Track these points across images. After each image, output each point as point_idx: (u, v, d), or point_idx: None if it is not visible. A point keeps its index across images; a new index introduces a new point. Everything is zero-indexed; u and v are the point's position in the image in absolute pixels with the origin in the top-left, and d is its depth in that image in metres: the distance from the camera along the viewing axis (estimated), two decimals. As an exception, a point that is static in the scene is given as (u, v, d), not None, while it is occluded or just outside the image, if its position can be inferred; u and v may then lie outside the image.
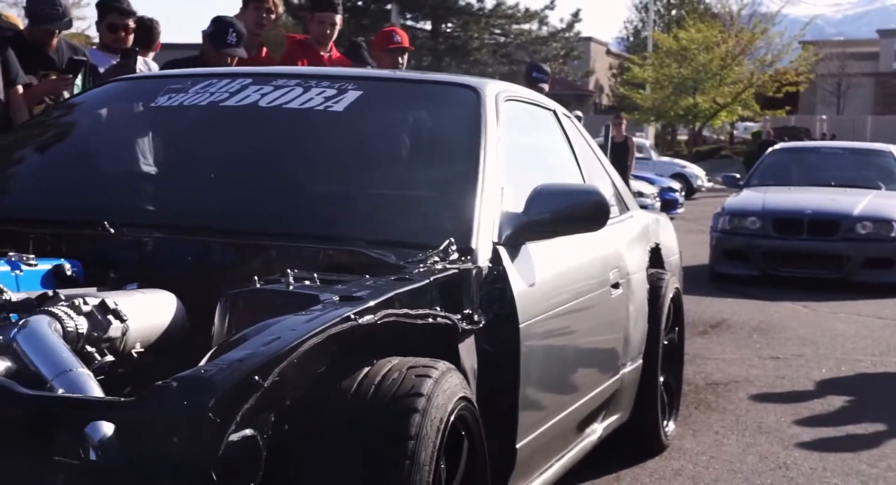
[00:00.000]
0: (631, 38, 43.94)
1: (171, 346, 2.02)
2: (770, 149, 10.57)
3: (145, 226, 2.40)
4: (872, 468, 3.44)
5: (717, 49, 25.96)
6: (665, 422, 3.58)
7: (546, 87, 6.84)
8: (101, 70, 4.55)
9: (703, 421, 3.98)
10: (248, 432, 1.51)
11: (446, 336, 2.05)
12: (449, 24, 23.17)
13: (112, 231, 2.34)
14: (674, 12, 41.17)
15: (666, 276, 3.63)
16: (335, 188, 2.65)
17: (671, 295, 3.60)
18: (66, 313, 1.84)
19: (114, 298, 1.94)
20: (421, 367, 1.81)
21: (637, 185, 14.78)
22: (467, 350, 2.12)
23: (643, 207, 14.08)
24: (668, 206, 15.97)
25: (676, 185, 17.34)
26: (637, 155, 16.62)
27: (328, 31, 5.25)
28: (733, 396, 4.42)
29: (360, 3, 22.87)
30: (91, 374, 1.70)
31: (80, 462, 1.46)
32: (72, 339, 1.81)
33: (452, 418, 1.81)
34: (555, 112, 3.38)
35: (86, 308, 1.88)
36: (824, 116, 35.34)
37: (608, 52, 43.13)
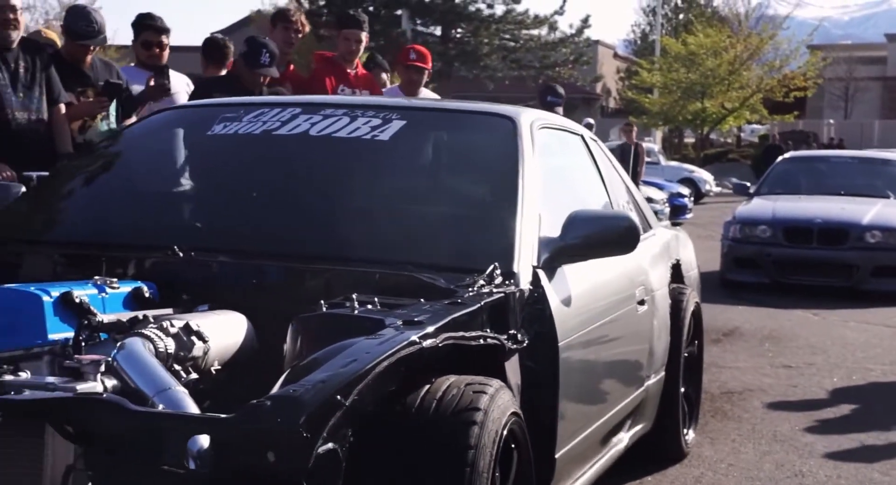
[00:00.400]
0: (638, 42, 44.03)
1: (242, 364, 2.17)
2: (780, 158, 10.70)
3: (211, 250, 2.55)
4: (885, 477, 3.59)
5: (725, 54, 26.07)
6: (685, 431, 3.73)
7: (560, 110, 7.00)
8: (134, 87, 4.71)
9: (720, 429, 4.13)
10: (330, 445, 1.67)
11: (494, 355, 2.21)
12: (459, 30, 23.33)
13: (181, 255, 2.48)
14: (681, 16, 41.26)
15: (687, 291, 3.78)
16: (384, 214, 2.80)
17: (692, 309, 3.76)
18: (156, 335, 2.01)
19: (196, 321, 2.10)
20: (477, 384, 1.97)
21: (646, 190, 14.90)
22: (512, 368, 2.29)
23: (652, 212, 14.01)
24: (678, 211, 16.10)
25: (685, 190, 17.46)
26: (647, 159, 16.79)
27: (353, 48, 5.42)
28: (748, 404, 4.57)
29: (371, 8, 23.05)
30: (186, 391, 1.85)
31: (185, 471, 1.62)
32: (162, 358, 1.98)
33: (505, 432, 1.96)
34: (582, 137, 3.56)
35: (173, 330, 2.04)
36: (832, 121, 35.42)
37: (615, 56, 43.24)
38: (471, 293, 2.26)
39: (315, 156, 2.93)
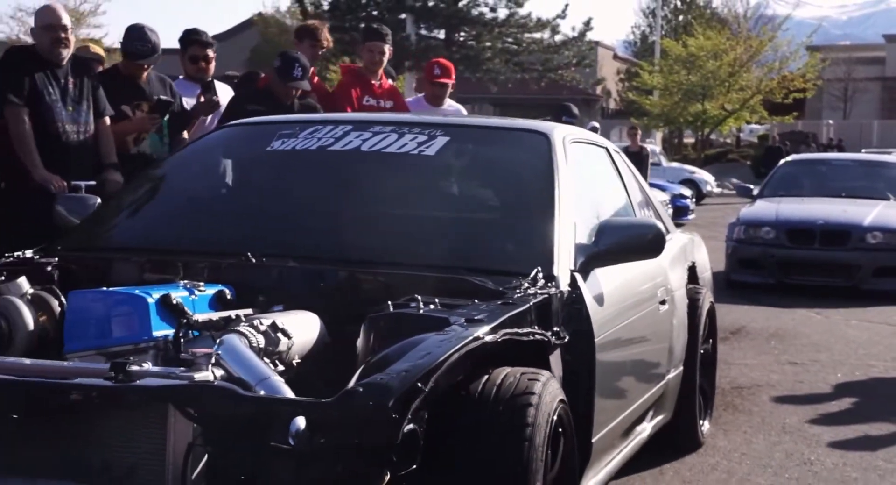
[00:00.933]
0: (638, 44, 44.26)
1: (316, 356, 2.42)
2: (782, 161, 10.95)
3: (279, 256, 2.78)
4: (889, 464, 3.84)
5: (725, 56, 26.32)
6: (701, 422, 3.98)
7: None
8: (185, 99, 4.96)
9: (732, 422, 4.38)
10: (412, 426, 1.94)
11: (541, 349, 2.47)
12: (462, 34, 23.56)
13: (254, 261, 2.73)
14: (681, 17, 41.49)
15: (702, 291, 4.04)
16: (432, 223, 3.06)
17: (707, 308, 4.01)
18: (249, 332, 2.26)
19: (280, 319, 2.35)
20: (531, 373, 2.25)
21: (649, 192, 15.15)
22: (556, 361, 2.55)
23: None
24: (680, 212, 16.30)
25: (687, 191, 17.68)
26: (650, 161, 17.02)
27: (377, 59, 5.66)
28: (757, 398, 4.82)
29: (374, 13, 23.27)
30: (282, 380, 2.12)
31: (289, 448, 1.87)
32: (255, 352, 2.22)
33: (555, 417, 2.23)
34: (607, 149, 3.81)
35: (262, 327, 2.30)
36: (831, 121, 35.67)
37: (615, 57, 43.47)
38: (518, 295, 2.51)
39: (367, 170, 3.18)
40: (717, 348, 4.30)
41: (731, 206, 15.64)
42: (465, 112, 6.08)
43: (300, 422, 1.88)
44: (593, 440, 2.74)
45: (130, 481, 1.98)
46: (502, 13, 23.15)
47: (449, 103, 5.92)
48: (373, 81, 5.63)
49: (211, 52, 5.22)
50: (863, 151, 26.67)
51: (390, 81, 5.92)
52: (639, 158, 14.12)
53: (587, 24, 23.84)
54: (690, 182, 21.40)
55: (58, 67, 4.45)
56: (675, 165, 23.09)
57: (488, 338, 2.18)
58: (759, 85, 26.60)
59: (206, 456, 1.96)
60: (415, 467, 1.94)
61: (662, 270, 3.58)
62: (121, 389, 2.00)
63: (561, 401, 2.30)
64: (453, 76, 5.93)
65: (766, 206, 9.42)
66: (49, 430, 2.03)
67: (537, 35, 23.78)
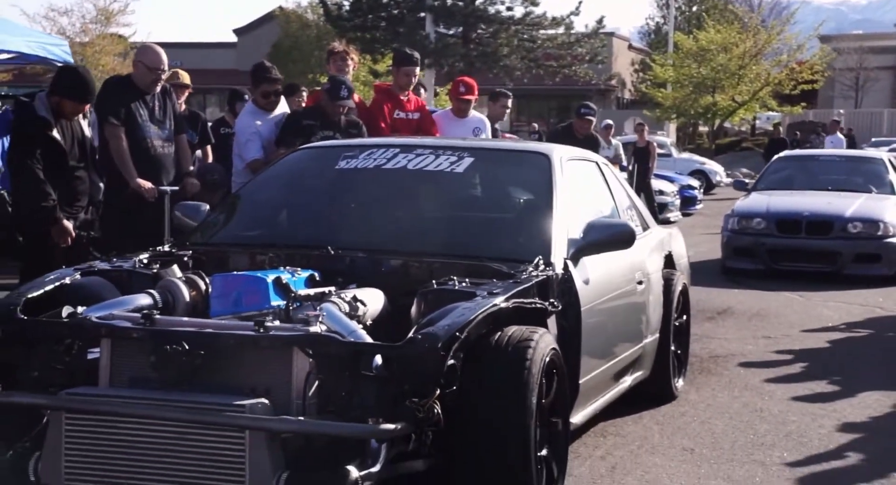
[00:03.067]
0: (652, 35, 44.77)
1: (382, 319, 3.38)
2: (775, 157, 11.80)
3: (352, 249, 3.74)
4: (822, 411, 4.77)
5: (735, 49, 27.02)
6: (675, 379, 4.94)
7: (593, 119, 8.29)
8: (258, 122, 5.86)
9: (704, 382, 5.31)
10: (453, 361, 2.89)
11: (540, 314, 3.40)
12: (479, 31, 24.38)
13: (333, 252, 3.70)
14: (694, 8, 41.98)
15: (676, 275, 5.03)
16: (461, 223, 4.07)
17: (679, 288, 5.00)
18: (339, 301, 3.23)
19: (358, 293, 3.32)
20: (531, 329, 3.19)
21: (658, 183, 15.86)
22: (552, 323, 3.50)
23: (663, 204, 15.23)
24: (687, 203, 17.04)
25: (695, 182, 18.41)
26: (658, 151, 17.77)
27: (409, 80, 6.57)
28: (728, 364, 5.74)
29: (395, 12, 24.13)
30: (365, 332, 3.10)
31: (373, 375, 2.84)
32: (343, 315, 3.16)
33: (548, 358, 3.16)
34: (597, 163, 4.83)
35: (346, 298, 3.26)
36: (842, 111, 36.11)
37: (630, 47, 43.98)
38: (525, 276, 3.46)
39: (412, 183, 4.17)
40: (689, 321, 5.24)
41: (739, 196, 16.37)
42: (486, 121, 6.99)
43: (379, 359, 2.84)
44: (581, 381, 3.71)
45: (269, 397, 2.84)
46: (518, 11, 23.98)
47: (473, 114, 6.84)
48: (402, 98, 6.54)
49: (279, 87, 6.08)
50: (872, 140, 27.33)
51: (421, 95, 6.85)
52: (645, 153, 14.97)
53: (600, 22, 24.59)
54: (700, 173, 22.08)
55: (147, 94, 5.41)
56: (685, 155, 23.78)
57: (503, 305, 3.14)
58: (767, 77, 27.27)
59: (317, 382, 2.88)
60: (454, 387, 2.89)
61: (640, 257, 4.55)
62: (263, 336, 2.91)
63: (553, 349, 3.21)
64: (476, 92, 6.84)
65: (759, 198, 10.26)
66: (215, 364, 2.89)
67: (552, 32, 24.54)
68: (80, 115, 5.30)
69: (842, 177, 10.64)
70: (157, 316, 3.06)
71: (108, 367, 3.00)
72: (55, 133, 5.02)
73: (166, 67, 5.47)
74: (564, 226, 3.85)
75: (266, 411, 2.78)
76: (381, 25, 23.79)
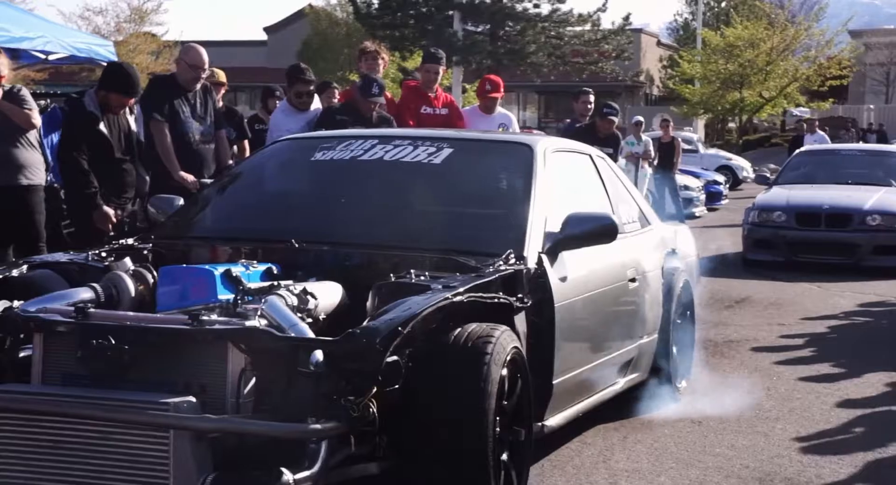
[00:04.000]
0: (681, 31, 44.72)
1: (339, 314, 3.19)
2: (797, 151, 11.98)
3: (317, 242, 3.57)
4: (827, 390, 5.00)
5: (762, 45, 27.05)
6: (676, 381, 4.67)
7: (616, 120, 8.59)
8: (292, 124, 6.15)
9: (716, 364, 5.53)
10: (395, 357, 2.73)
11: (506, 311, 3.19)
12: (507, 29, 24.62)
13: (296, 245, 3.51)
14: (723, 4, 41.89)
15: (677, 272, 4.68)
16: (433, 216, 3.84)
17: (680, 286, 4.69)
18: (286, 294, 3.03)
19: (309, 286, 3.12)
20: (492, 326, 3.01)
21: (683, 179, 16.05)
22: (520, 320, 3.29)
23: (688, 200, 15.35)
24: (712, 198, 17.20)
25: (721, 178, 18.58)
26: (686, 147, 17.94)
27: (433, 77, 6.86)
28: (741, 348, 5.99)
29: (423, 9, 24.43)
30: (307, 326, 2.91)
31: (310, 371, 2.67)
32: (290, 309, 2.96)
33: (509, 357, 2.98)
34: (590, 156, 4.56)
35: (295, 291, 3.06)
36: (871, 106, 35.96)
37: (658, 43, 43.98)
38: (490, 270, 3.27)
39: (387, 175, 3.96)
40: (693, 320, 4.96)
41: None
42: (513, 118, 7.28)
43: (318, 354, 2.69)
44: (555, 382, 3.47)
45: (203, 394, 2.72)
46: (545, 8, 24.19)
47: (499, 110, 7.12)
48: (429, 94, 6.84)
49: (312, 88, 6.35)
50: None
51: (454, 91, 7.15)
52: (670, 148, 15.16)
53: (626, 19, 24.76)
54: (727, 169, 22.18)
55: (190, 92, 5.74)
56: (712, 151, 23.85)
57: (456, 299, 2.94)
58: (795, 73, 27.28)
59: (253, 378, 2.75)
60: (396, 386, 2.74)
61: (636, 254, 4.31)
62: (195, 330, 2.77)
63: (514, 348, 2.99)
64: (502, 90, 7.13)
65: (779, 192, 10.46)
66: (148, 359, 2.77)
67: (578, 29, 24.74)
68: (127, 111, 5.63)
69: (862, 171, 10.81)
70: (92, 310, 2.94)
71: (41, 363, 2.89)
72: (102, 127, 5.32)
73: (207, 66, 5.79)
74: (541, 219, 3.65)
75: (192, 410, 2.65)
76: (409, 23, 24.10)
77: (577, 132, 8.14)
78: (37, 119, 5.62)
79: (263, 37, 42.38)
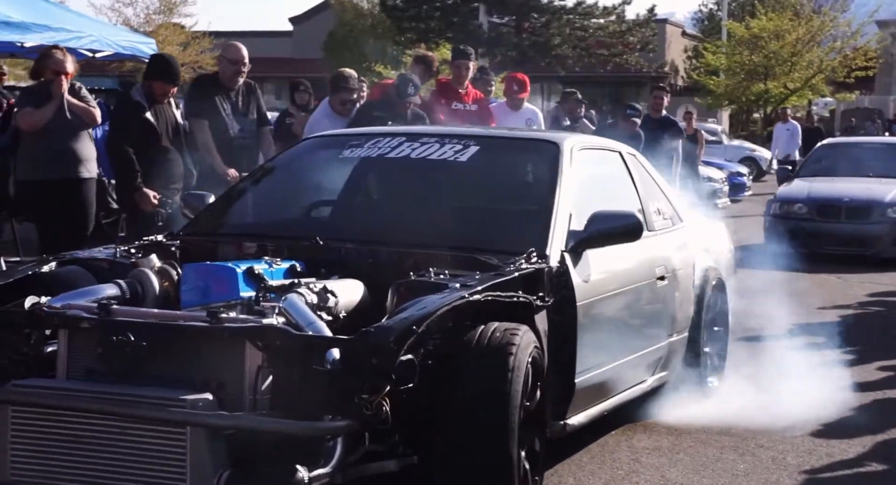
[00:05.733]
0: (706, 21, 44.55)
1: (360, 312, 3.20)
2: (819, 144, 12.13)
3: (341, 239, 3.58)
4: (840, 374, 5.19)
5: (787, 36, 27.02)
6: (709, 379, 4.73)
7: (638, 121, 8.85)
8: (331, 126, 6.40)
9: (729, 350, 5.75)
10: (409, 356, 2.73)
11: (527, 310, 3.19)
12: (532, 21, 24.80)
13: (321, 243, 3.50)
14: (749, -6, 41.69)
15: (710, 270, 4.66)
16: (458, 214, 3.85)
17: (713, 285, 4.68)
18: (306, 292, 3.04)
19: (330, 284, 3.14)
20: (513, 327, 3.02)
21: (706, 170, 16.21)
22: (541, 318, 3.27)
23: (712, 191, 15.45)
24: (736, 189, 17.35)
25: (744, 169, 18.73)
26: (709, 138, 18.09)
27: (463, 73, 7.14)
28: (756, 335, 6.19)
29: (449, 1, 24.64)
30: (325, 324, 2.93)
31: (325, 370, 2.68)
32: (310, 307, 2.98)
33: (530, 357, 3.00)
34: (620, 153, 4.50)
35: (315, 289, 3.07)
36: (898, 97, 35.77)
37: (683, 34, 43.83)
38: (511, 268, 3.25)
39: (413, 172, 4.00)
40: (728, 318, 5.02)
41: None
42: (540, 114, 7.54)
43: (335, 352, 2.70)
44: (577, 381, 3.47)
45: (221, 391, 2.76)
46: (570, 0, 24.33)
47: (526, 106, 7.38)
48: (460, 90, 7.11)
49: (356, 96, 6.59)
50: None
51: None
52: (693, 140, 15.35)
53: (651, 11, 24.84)
54: (751, 160, 22.35)
55: (232, 90, 6.03)
56: (736, 143, 23.96)
57: (472, 297, 2.94)
58: (820, 64, 27.24)
59: (270, 376, 2.77)
60: (411, 384, 2.73)
61: (665, 252, 4.27)
62: (213, 328, 2.81)
63: (535, 347, 3.03)
64: (528, 89, 7.41)
65: (801, 185, 10.64)
66: (167, 356, 2.82)
67: (602, 21, 24.87)
68: (173, 105, 5.92)
69: (883, 163, 10.94)
70: (115, 306, 2.97)
71: (66, 358, 2.93)
72: (149, 115, 5.61)
73: (247, 61, 6.06)
74: (565, 217, 3.64)
75: (209, 407, 2.69)
76: (434, 15, 24.34)
77: (599, 130, 8.45)
78: (99, 115, 5.89)
79: (289, 27, 42.65)
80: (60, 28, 7.08)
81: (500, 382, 2.88)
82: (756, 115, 33.73)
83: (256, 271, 3.19)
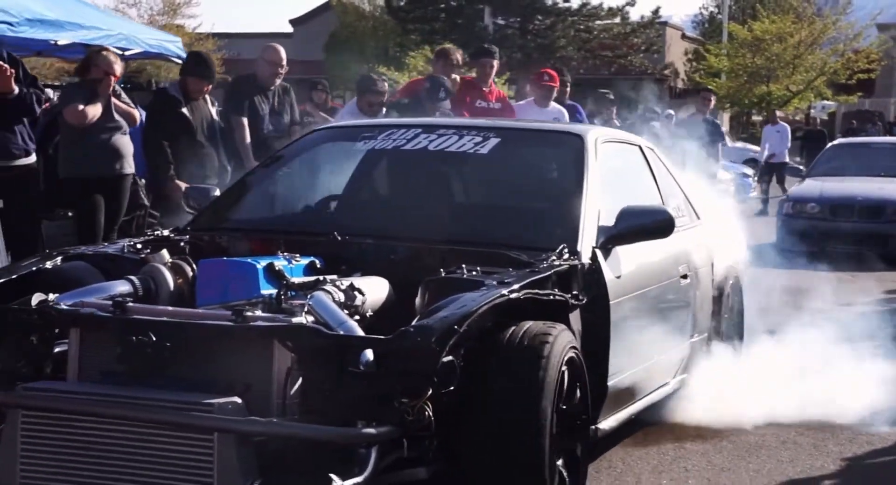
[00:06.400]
0: (706, 24, 44.71)
1: (385, 310, 3.05)
2: (830, 144, 12.27)
3: (361, 235, 3.41)
4: (837, 361, 5.19)
5: (790, 39, 27.17)
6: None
7: (657, 124, 8.97)
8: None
9: (756, 342, 5.84)
10: (450, 357, 2.58)
11: (562, 308, 3.07)
12: (536, 22, 24.93)
13: (340, 238, 3.35)
14: (748, -2, 41.85)
15: (726, 269, 4.57)
16: (483, 209, 3.75)
17: (731, 284, 4.63)
18: (333, 290, 2.88)
19: (356, 281, 2.98)
20: (548, 325, 2.89)
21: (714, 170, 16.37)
22: (575, 317, 3.15)
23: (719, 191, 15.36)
24: (741, 190, 17.56)
25: (749, 170, 18.94)
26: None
27: (487, 71, 7.25)
28: (766, 329, 6.19)
29: (453, 2, 24.75)
30: (356, 324, 2.76)
31: (360, 372, 2.51)
32: (336, 305, 2.83)
33: (566, 357, 2.85)
34: (640, 147, 4.37)
35: (342, 287, 2.92)
36: (897, 99, 35.98)
37: (683, 37, 43.97)
38: (545, 265, 3.12)
39: (432, 165, 3.84)
40: (742, 319, 4.95)
41: (790, 183, 16.85)
42: (565, 112, 7.63)
43: (369, 353, 2.53)
44: (609, 384, 3.34)
45: (247, 395, 2.57)
46: (575, 2, 24.48)
47: (553, 105, 7.49)
48: (483, 88, 7.22)
49: (383, 99, 6.71)
50: (928, 129, 27.31)
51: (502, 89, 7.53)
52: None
53: (655, 13, 24.98)
54: (753, 161, 22.49)
55: (269, 90, 6.19)
56: (739, 144, 24.12)
57: (512, 296, 2.81)
58: (822, 67, 27.40)
59: (300, 378, 2.60)
60: (452, 387, 2.60)
61: (686, 249, 4.14)
62: (239, 327, 2.63)
63: (572, 347, 2.89)
64: (557, 81, 7.50)
65: (813, 184, 10.78)
66: (191, 357, 2.64)
67: (607, 22, 25.01)
68: (209, 102, 6.07)
69: (893, 163, 11.08)
70: (131, 304, 2.82)
71: (77, 359, 2.77)
72: (185, 110, 5.80)
73: (285, 63, 6.21)
74: (594, 212, 3.52)
75: (238, 411, 2.52)
76: (439, 17, 24.47)
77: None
78: (138, 116, 6.01)
79: (289, 29, 42.71)
80: (92, 26, 7.21)
81: (531, 381, 2.74)
82: (757, 118, 33.89)
83: (277, 268, 3.03)
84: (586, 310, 3.24)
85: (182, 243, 3.54)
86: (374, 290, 3.09)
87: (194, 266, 3.21)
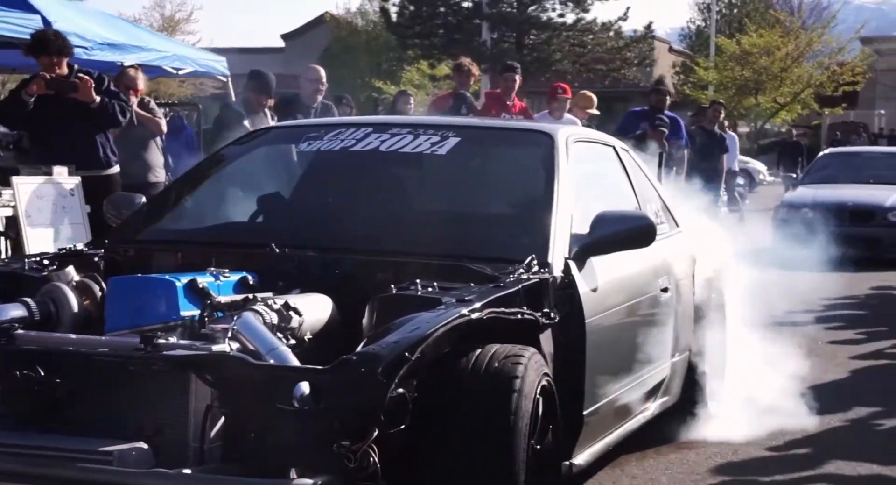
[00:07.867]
0: (693, 37, 45.49)
1: (328, 333, 2.66)
2: (821, 153, 12.95)
3: (300, 246, 3.00)
4: (834, 352, 5.88)
5: (777, 52, 27.92)
6: (710, 404, 4.10)
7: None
8: None
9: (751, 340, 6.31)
10: (401, 390, 2.18)
11: (531, 328, 2.66)
12: (532, 37, 25.54)
13: (277, 251, 2.94)
14: (735, 11, 42.67)
15: (711, 281, 4.12)
16: (441, 216, 3.34)
17: (713, 297, 4.15)
18: (263, 310, 2.48)
19: (293, 300, 2.57)
20: (518, 349, 2.47)
21: (709, 181, 17.00)
22: (546, 339, 2.73)
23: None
24: (733, 199, 18.22)
25: (741, 180, 19.62)
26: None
27: (511, 85, 7.85)
28: (760, 325, 6.69)
29: (450, 18, 25.33)
30: (290, 350, 2.38)
31: (293, 409, 2.10)
32: (268, 328, 2.45)
33: (539, 387, 2.45)
34: (614, 147, 3.96)
35: (275, 306, 2.51)
36: (882, 111, 36.73)
37: (670, 50, 44.68)
38: (511, 279, 2.73)
39: (384, 168, 3.45)
40: (724, 334, 4.42)
41: (781, 192, 17.51)
42: (578, 123, 8.20)
43: (304, 387, 2.15)
44: (585, 413, 2.94)
45: (158, 438, 2.20)
46: (570, 18, 25.10)
47: (566, 116, 8.07)
48: (507, 102, 7.81)
49: (414, 102, 7.35)
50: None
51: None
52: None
53: (648, 28, 25.66)
54: (744, 172, 23.12)
55: (311, 107, 6.82)
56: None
57: (474, 316, 2.41)
58: (809, 79, 28.15)
59: (222, 417, 2.21)
60: (403, 426, 2.21)
61: (666, 260, 3.71)
62: (148, 357, 2.24)
63: (545, 374, 2.51)
64: (570, 93, 8.09)
65: (805, 191, 11.42)
66: (89, 395, 2.27)
67: (601, 36, 25.66)
68: (270, 116, 6.66)
69: (883, 171, 11.75)
70: (20, 332, 2.45)
71: None
72: (246, 123, 6.35)
73: (325, 81, 6.84)
74: (567, 219, 3.13)
75: (144, 460, 2.17)
76: (438, 32, 25.04)
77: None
78: (165, 125, 6.65)
79: (281, 44, 43.16)
80: (151, 48, 7.99)
81: (503, 418, 2.36)
82: (742, 130, 34.61)
83: (200, 285, 2.65)
84: (559, 330, 2.85)
85: (96, 258, 3.13)
86: (315, 309, 2.70)
87: (104, 285, 2.83)
